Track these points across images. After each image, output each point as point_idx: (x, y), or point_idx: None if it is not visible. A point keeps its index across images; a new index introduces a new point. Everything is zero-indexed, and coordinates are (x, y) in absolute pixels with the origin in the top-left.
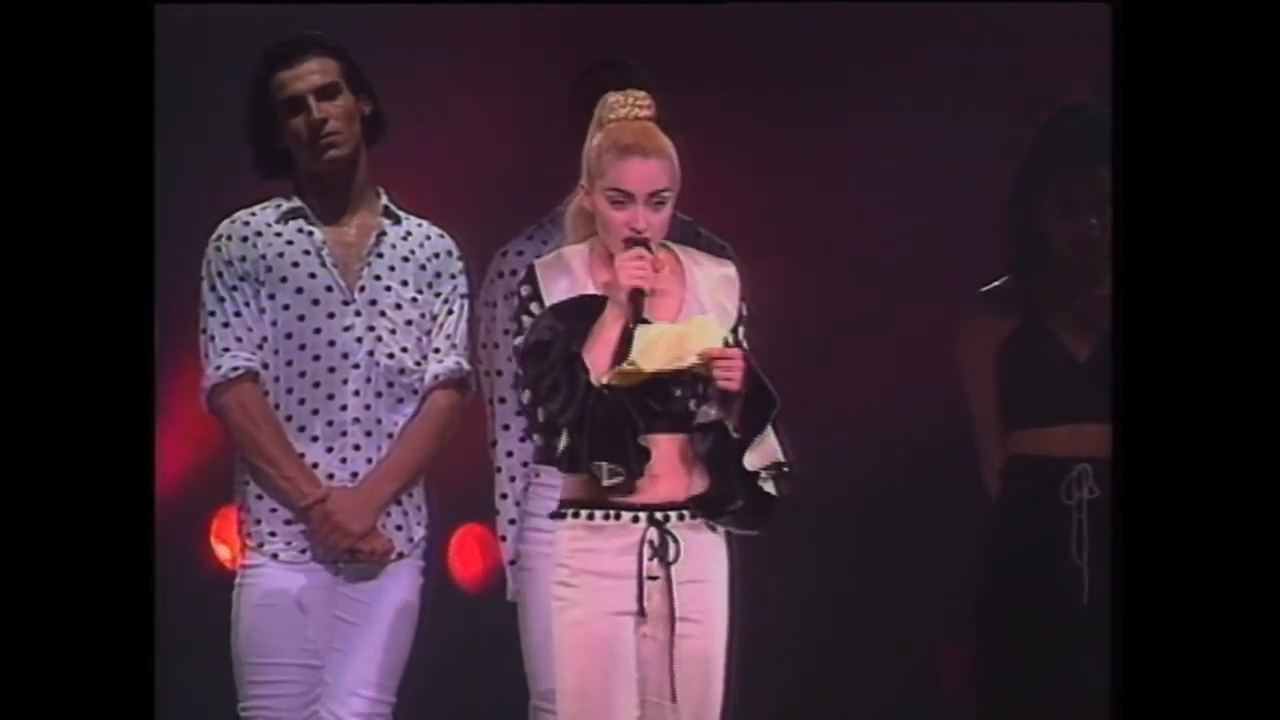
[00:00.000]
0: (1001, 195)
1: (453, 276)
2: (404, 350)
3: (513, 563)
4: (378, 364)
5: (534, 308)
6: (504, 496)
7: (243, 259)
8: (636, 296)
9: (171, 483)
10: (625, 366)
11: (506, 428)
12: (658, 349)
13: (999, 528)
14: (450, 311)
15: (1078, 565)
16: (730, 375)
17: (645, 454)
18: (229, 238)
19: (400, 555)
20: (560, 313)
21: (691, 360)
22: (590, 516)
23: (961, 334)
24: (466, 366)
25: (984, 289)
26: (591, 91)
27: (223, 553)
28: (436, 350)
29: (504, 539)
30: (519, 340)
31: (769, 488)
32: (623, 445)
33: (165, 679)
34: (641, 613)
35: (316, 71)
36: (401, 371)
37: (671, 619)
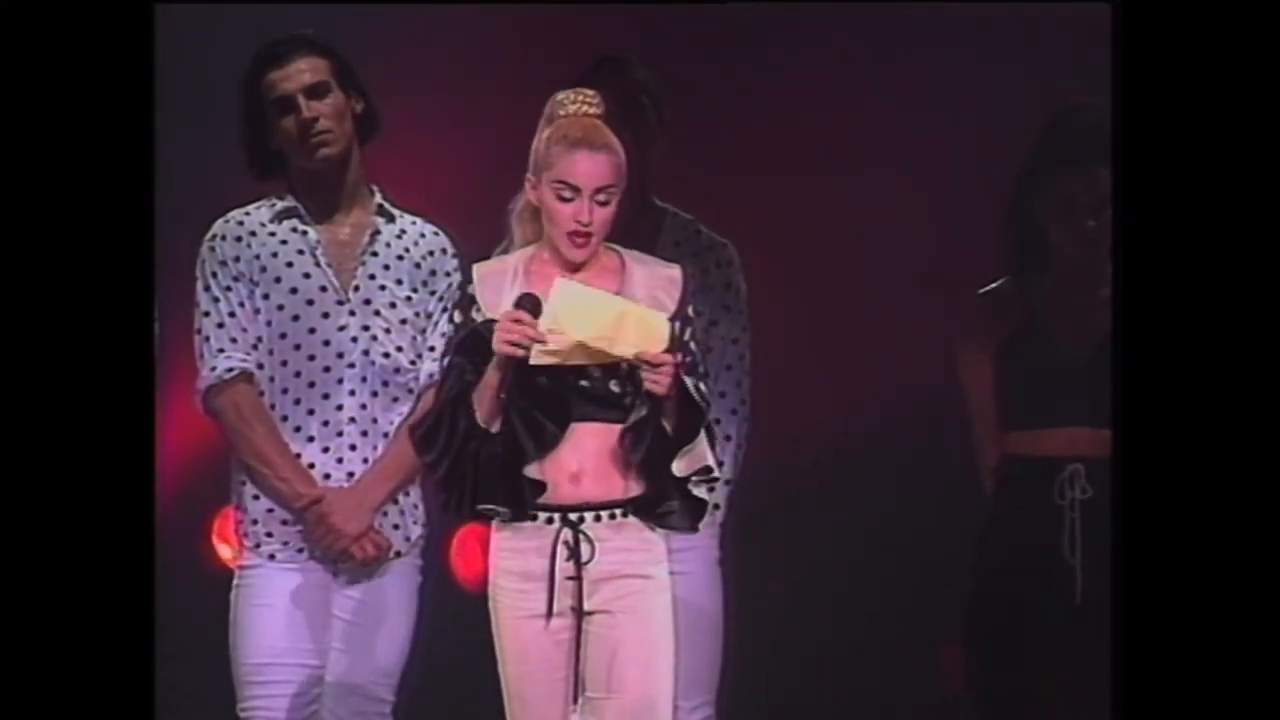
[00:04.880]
0: (1002, 196)
1: (447, 275)
2: (399, 349)
3: None
4: (373, 363)
5: (458, 315)
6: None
7: (237, 259)
8: (510, 361)
9: (171, 482)
10: (549, 332)
11: None
12: (589, 317)
13: (992, 527)
14: (445, 310)
15: (1070, 565)
16: (659, 380)
17: (538, 486)
18: (223, 237)
19: (398, 554)
20: (463, 346)
21: (623, 351)
22: (512, 519)
23: (960, 335)
24: None
25: (983, 290)
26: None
27: (225, 552)
28: (431, 349)
29: None
30: (450, 340)
31: (700, 492)
32: (514, 482)
33: (165, 679)
34: (555, 611)
35: (306, 70)
36: (397, 371)
37: (586, 617)
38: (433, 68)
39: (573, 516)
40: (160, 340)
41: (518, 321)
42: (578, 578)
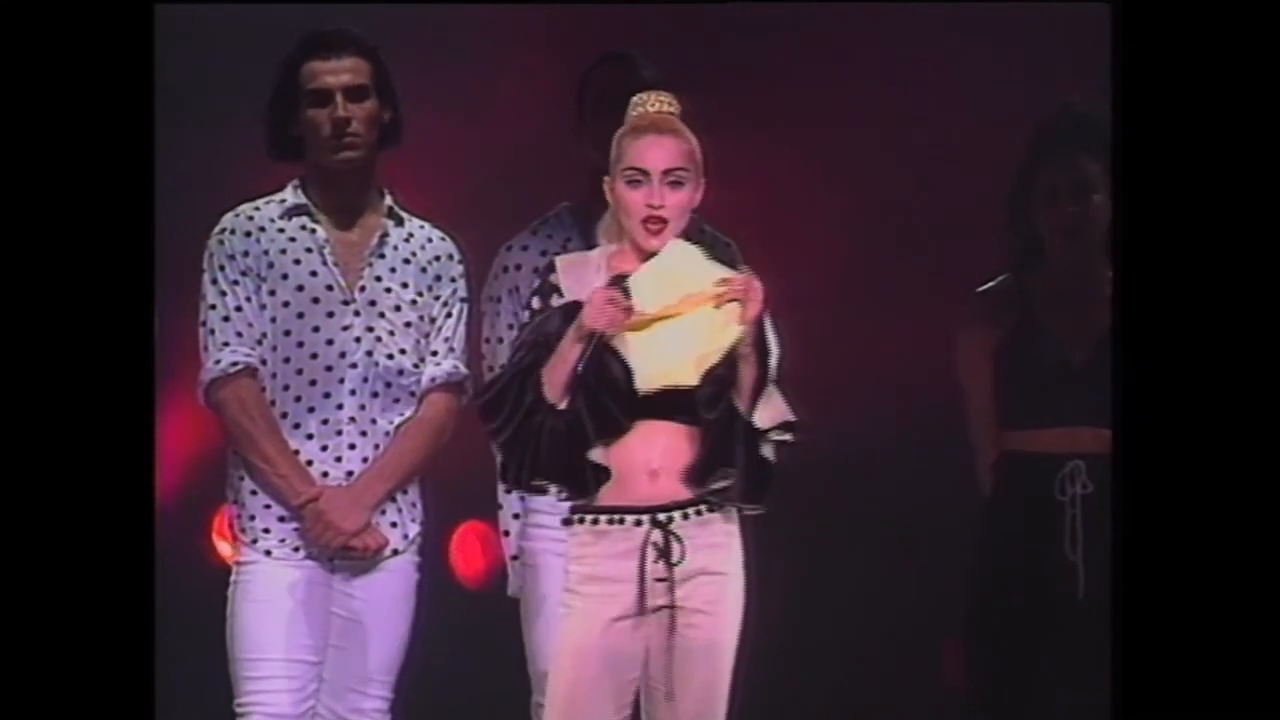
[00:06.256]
0: (1001, 194)
1: (453, 280)
2: (402, 352)
3: (515, 558)
4: (376, 364)
5: (535, 302)
6: (508, 491)
7: (245, 254)
8: (592, 337)
9: (172, 480)
10: (633, 319)
11: None
12: (654, 290)
13: (993, 524)
14: (449, 315)
15: (1072, 561)
16: (750, 296)
17: (604, 471)
18: (232, 231)
19: (395, 552)
20: (541, 326)
21: (694, 291)
22: (595, 522)
23: (959, 333)
24: (464, 370)
25: (981, 288)
26: (599, 87)
27: (223, 549)
28: (434, 353)
29: (506, 534)
30: (523, 331)
31: (768, 452)
32: (575, 463)
33: (165, 678)
34: (642, 613)
35: (349, 70)
36: (399, 373)
37: (673, 615)
38: (433, 68)
39: (661, 517)
40: (161, 338)
41: (611, 299)
42: (669, 579)
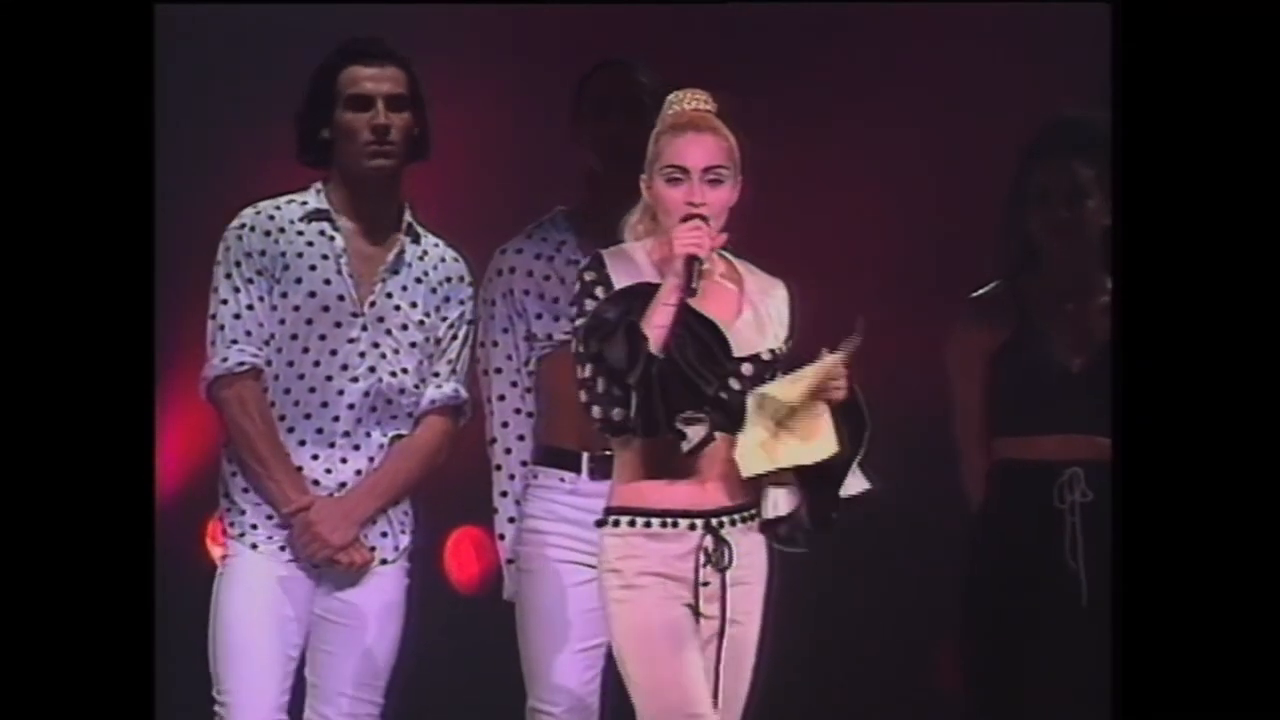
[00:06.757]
0: (1000, 197)
1: (461, 303)
2: (404, 371)
3: (510, 562)
4: (379, 380)
5: (599, 292)
6: (504, 494)
7: (263, 253)
8: (691, 264)
9: (172, 480)
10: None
11: (505, 425)
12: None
13: (989, 530)
14: (455, 337)
15: (1073, 568)
16: (840, 386)
17: (720, 410)
18: (252, 228)
19: (384, 562)
20: (622, 296)
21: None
22: (647, 524)
23: (952, 338)
24: (464, 394)
25: (976, 294)
26: (595, 92)
27: (216, 553)
28: (436, 375)
29: (502, 538)
30: (580, 321)
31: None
32: (694, 404)
33: (165, 677)
34: (697, 617)
35: (391, 79)
36: (400, 391)
37: (723, 623)
38: (433, 70)
39: (714, 522)
40: (161, 340)
41: (695, 226)
42: (720, 584)
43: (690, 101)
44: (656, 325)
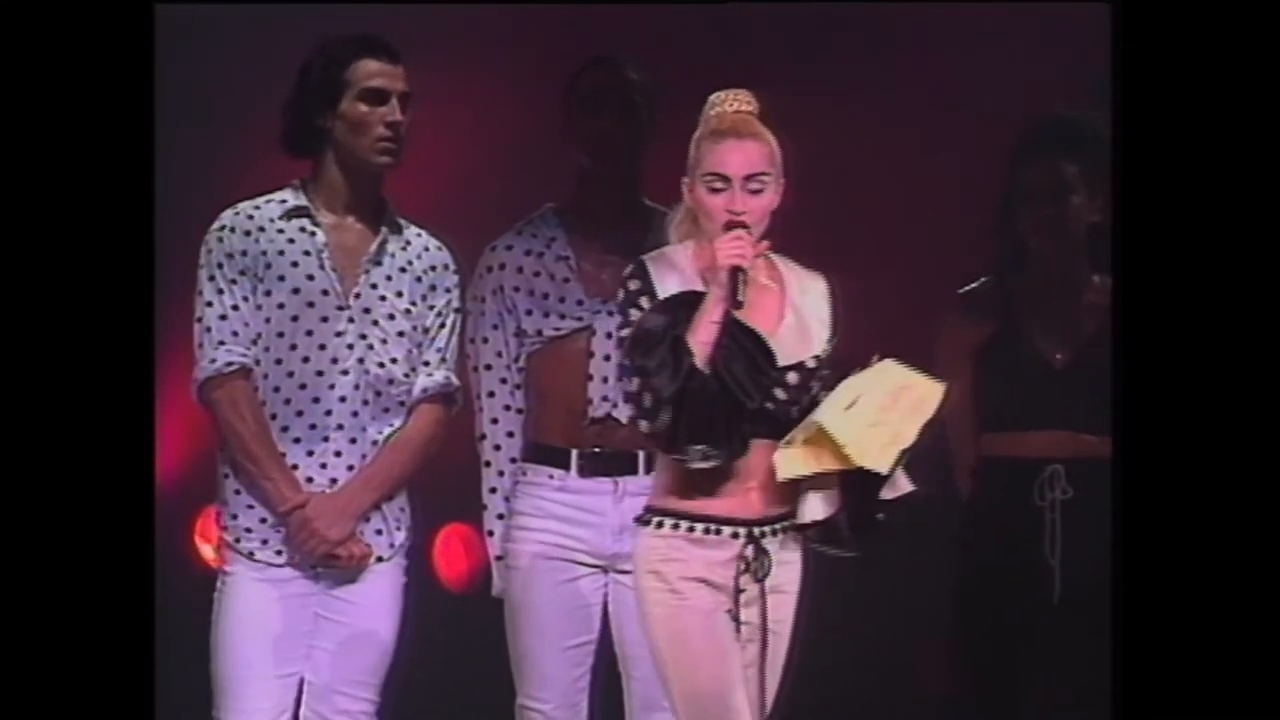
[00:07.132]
0: (996, 195)
1: (447, 290)
2: (394, 361)
3: (499, 559)
4: (367, 372)
5: (644, 301)
6: (493, 491)
7: (244, 253)
8: (735, 276)
9: (171, 479)
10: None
11: (495, 421)
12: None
13: (972, 528)
14: (443, 325)
15: (1050, 565)
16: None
17: (744, 441)
18: (231, 229)
19: (380, 559)
20: (667, 305)
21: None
22: (690, 529)
23: (940, 334)
24: (455, 382)
25: (963, 290)
26: (586, 90)
27: (206, 552)
28: (426, 364)
29: (491, 534)
30: (625, 331)
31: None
32: (719, 429)
33: (165, 678)
34: (737, 625)
35: (402, 78)
36: (390, 382)
37: (764, 633)
38: (428, 69)
39: (756, 531)
40: (160, 338)
41: (738, 236)
42: (759, 593)
43: (731, 104)
44: (702, 342)
